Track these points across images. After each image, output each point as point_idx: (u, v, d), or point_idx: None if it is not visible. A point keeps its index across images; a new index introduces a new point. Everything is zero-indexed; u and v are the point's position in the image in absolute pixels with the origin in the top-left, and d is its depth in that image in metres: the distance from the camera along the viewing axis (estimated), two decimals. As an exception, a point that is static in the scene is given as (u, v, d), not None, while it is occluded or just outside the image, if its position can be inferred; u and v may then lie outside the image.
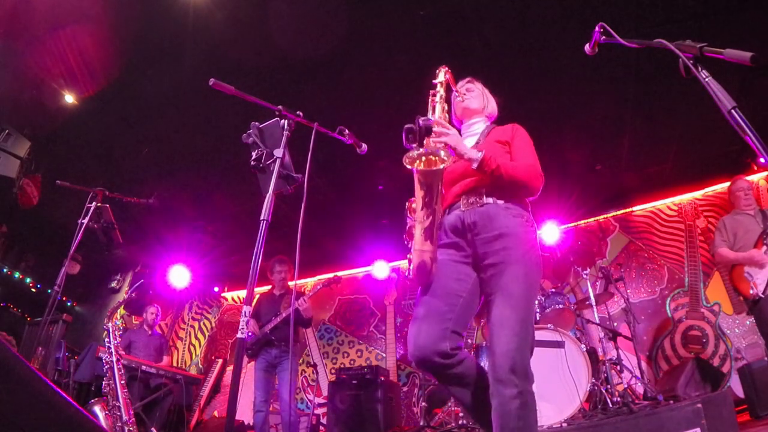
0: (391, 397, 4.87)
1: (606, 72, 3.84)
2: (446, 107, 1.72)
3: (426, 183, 1.53)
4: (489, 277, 1.65)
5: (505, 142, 1.85)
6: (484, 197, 1.73)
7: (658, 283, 5.37)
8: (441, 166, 1.45)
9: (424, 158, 1.44)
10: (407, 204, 1.84)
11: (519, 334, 1.52)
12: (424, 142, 1.49)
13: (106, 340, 3.22)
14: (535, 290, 1.68)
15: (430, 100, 1.76)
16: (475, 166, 1.66)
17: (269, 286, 4.53)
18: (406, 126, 1.52)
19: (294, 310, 1.93)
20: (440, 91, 1.76)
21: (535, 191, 1.78)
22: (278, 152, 1.82)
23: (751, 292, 3.25)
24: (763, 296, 3.21)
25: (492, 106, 2.10)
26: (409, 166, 1.46)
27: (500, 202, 1.73)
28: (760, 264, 3.29)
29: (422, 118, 1.52)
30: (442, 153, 1.42)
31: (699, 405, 2.37)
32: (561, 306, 4.04)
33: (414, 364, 1.61)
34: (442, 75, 1.81)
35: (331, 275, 4.50)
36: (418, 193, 1.55)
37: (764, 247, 3.33)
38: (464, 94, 2.05)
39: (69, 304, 7.13)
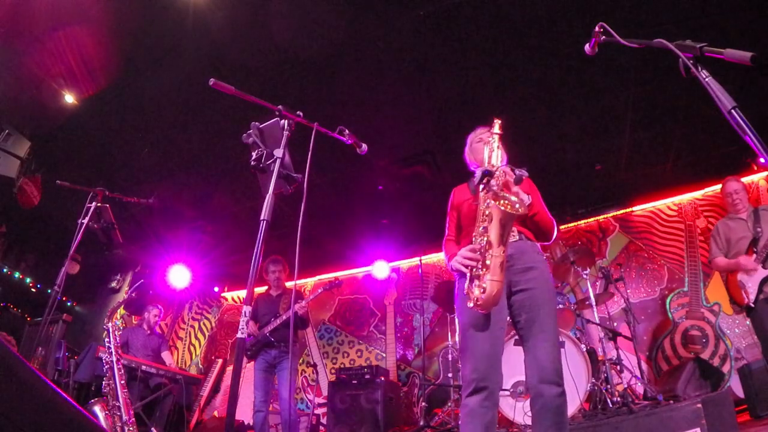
0: (391, 397, 4.87)
1: (606, 72, 3.85)
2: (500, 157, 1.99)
3: (504, 222, 1.76)
4: (520, 300, 1.96)
5: (526, 192, 2.09)
6: (517, 234, 2.07)
7: (658, 283, 5.37)
8: (519, 213, 1.76)
9: (510, 204, 1.75)
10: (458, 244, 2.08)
11: (556, 345, 1.88)
12: (494, 183, 1.82)
13: (106, 340, 3.21)
14: (556, 311, 2.03)
15: (488, 147, 2.02)
16: (526, 204, 1.92)
17: (265, 287, 4.52)
18: (485, 170, 1.86)
19: (294, 313, 1.93)
20: (496, 140, 2.02)
21: (551, 237, 2.19)
22: (278, 152, 1.82)
23: (745, 300, 3.29)
24: (753, 305, 3.24)
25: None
26: (503, 208, 1.73)
27: (528, 241, 2.09)
28: (749, 270, 3.30)
29: (518, 170, 1.89)
30: (518, 204, 1.76)
31: (699, 405, 2.38)
32: (561, 306, 4.04)
33: (483, 384, 1.83)
34: (497, 127, 2.05)
35: (330, 276, 4.50)
36: (497, 230, 1.77)
37: (754, 256, 3.35)
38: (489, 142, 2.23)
39: (69, 304, 7.13)
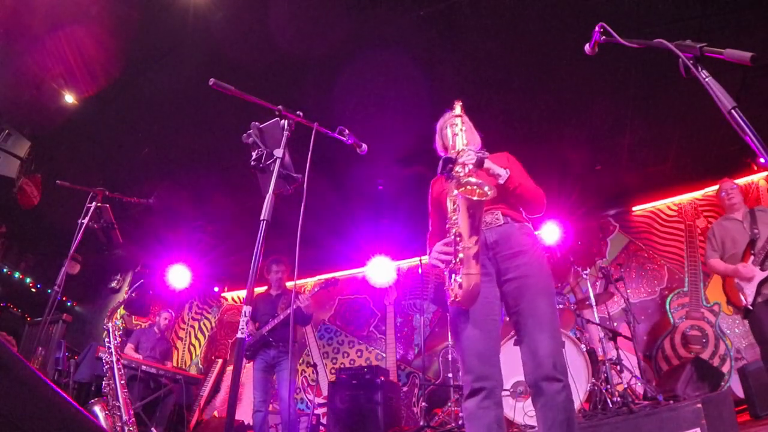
0: (391, 397, 4.87)
1: (606, 72, 3.84)
2: (464, 140, 1.87)
3: (472, 211, 1.64)
4: (512, 290, 1.82)
5: (504, 167, 1.96)
6: (501, 218, 1.92)
7: (658, 283, 5.37)
8: (487, 197, 1.61)
9: (477, 189, 1.59)
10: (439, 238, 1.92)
11: (555, 337, 1.73)
12: (457, 170, 1.68)
13: (106, 340, 3.21)
14: (554, 297, 1.88)
15: (450, 131, 1.91)
16: (501, 181, 1.84)
17: (265, 287, 4.52)
18: (446, 157, 1.73)
19: (293, 310, 1.92)
20: (459, 123, 1.91)
21: (542, 209, 2.00)
22: (278, 152, 1.82)
23: (743, 303, 3.28)
24: (751, 307, 3.23)
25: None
26: (467, 196, 1.60)
27: (515, 223, 1.93)
28: (746, 279, 3.29)
29: (478, 152, 1.73)
30: (486, 188, 1.59)
31: (699, 405, 2.38)
32: (561, 306, 4.04)
33: (478, 384, 1.71)
34: (458, 109, 1.95)
35: (329, 276, 4.50)
36: (465, 221, 1.65)
37: (752, 257, 3.31)
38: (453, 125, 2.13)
39: (69, 304, 7.13)
